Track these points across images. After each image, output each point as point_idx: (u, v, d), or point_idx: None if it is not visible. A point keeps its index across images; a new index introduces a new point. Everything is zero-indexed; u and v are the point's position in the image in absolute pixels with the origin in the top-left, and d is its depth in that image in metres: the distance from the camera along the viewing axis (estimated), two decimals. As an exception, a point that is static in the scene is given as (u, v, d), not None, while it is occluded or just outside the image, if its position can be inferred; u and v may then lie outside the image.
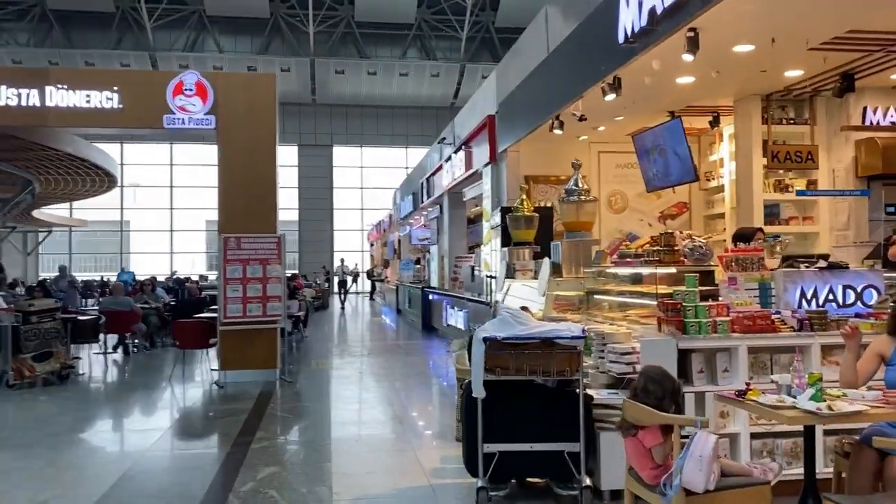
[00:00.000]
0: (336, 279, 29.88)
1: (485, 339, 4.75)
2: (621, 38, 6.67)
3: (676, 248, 5.58)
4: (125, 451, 7.11)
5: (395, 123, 39.25)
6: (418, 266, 23.09)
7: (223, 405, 8.91)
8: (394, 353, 14.39)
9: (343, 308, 27.73)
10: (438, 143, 17.95)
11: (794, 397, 3.88)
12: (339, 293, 28.71)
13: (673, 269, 5.64)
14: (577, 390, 4.85)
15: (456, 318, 14.04)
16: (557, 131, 9.59)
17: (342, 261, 30.94)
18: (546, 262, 7.34)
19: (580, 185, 7.69)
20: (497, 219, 10.87)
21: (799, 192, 8.71)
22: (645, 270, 5.99)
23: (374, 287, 34.11)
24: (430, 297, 17.52)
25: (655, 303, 5.49)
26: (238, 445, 6.82)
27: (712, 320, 4.93)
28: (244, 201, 10.38)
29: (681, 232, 5.88)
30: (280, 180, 10.94)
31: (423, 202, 20.82)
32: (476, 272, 13.72)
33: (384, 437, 7.30)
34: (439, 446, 6.66)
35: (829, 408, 3.66)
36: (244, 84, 10.97)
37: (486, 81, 14.41)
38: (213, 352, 10.93)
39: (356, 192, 40.07)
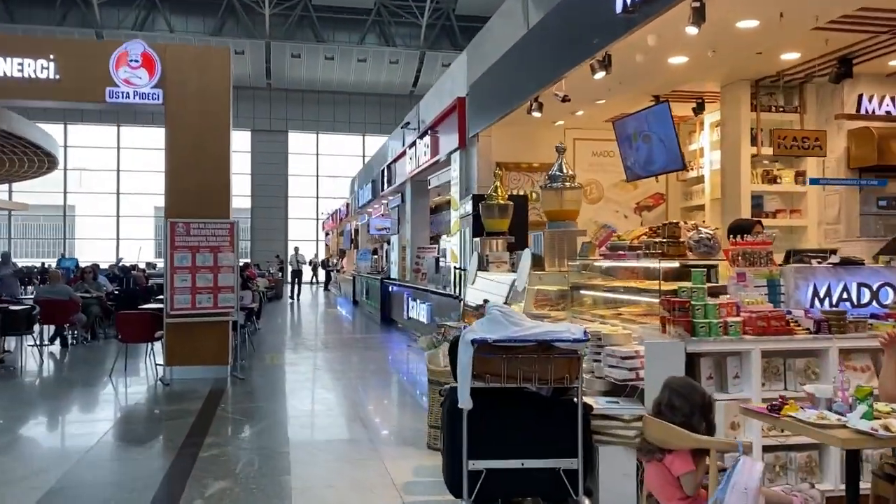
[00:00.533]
0: (290, 268, 28.98)
1: (473, 342, 4.13)
2: (619, 8, 6.07)
3: (681, 239, 5.01)
4: (55, 459, 6.24)
5: (353, 110, 38.39)
6: (376, 256, 22.40)
7: (169, 405, 8.21)
8: (352, 347, 13.73)
9: (297, 299, 26.81)
10: (402, 127, 17.18)
11: (839, 413, 3.36)
12: (293, 282, 27.77)
13: (676, 263, 5.08)
14: (575, 399, 4.27)
15: (418, 311, 13.40)
16: (536, 114, 8.96)
17: (296, 249, 30.02)
18: (526, 254, 6.71)
19: (565, 170, 7.08)
20: (468, 207, 10.23)
21: (812, 181, 8.19)
22: (643, 264, 5.42)
23: (329, 277, 33.33)
24: (391, 288, 16.86)
25: (653, 300, 4.94)
26: (185, 450, 6.15)
27: (723, 321, 4.41)
28: (194, 184, 9.56)
29: (685, 222, 5.31)
30: (233, 166, 10.15)
31: (383, 190, 20.06)
32: (441, 263, 13.07)
33: (347, 442, 6.64)
34: (410, 455, 6.02)
35: (887, 428, 3.12)
36: (196, 57, 10.08)
37: (455, 62, 13.72)
38: (158, 345, 10.12)
39: (311, 180, 39.13)
